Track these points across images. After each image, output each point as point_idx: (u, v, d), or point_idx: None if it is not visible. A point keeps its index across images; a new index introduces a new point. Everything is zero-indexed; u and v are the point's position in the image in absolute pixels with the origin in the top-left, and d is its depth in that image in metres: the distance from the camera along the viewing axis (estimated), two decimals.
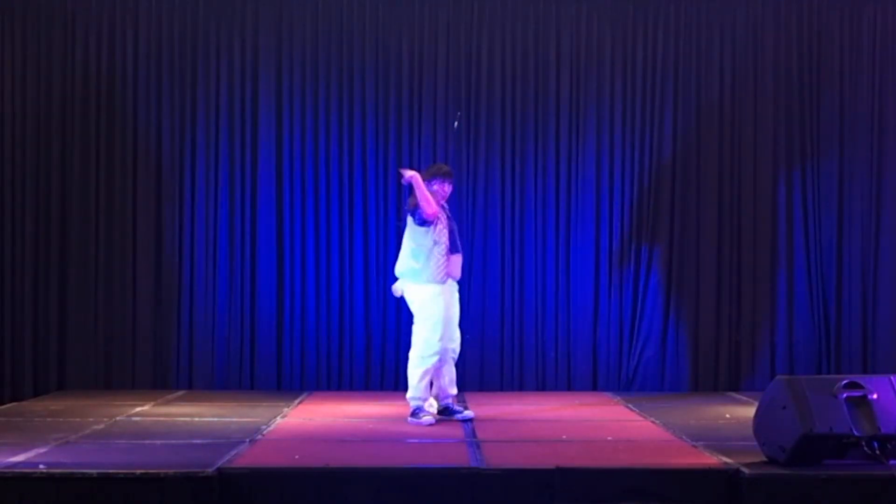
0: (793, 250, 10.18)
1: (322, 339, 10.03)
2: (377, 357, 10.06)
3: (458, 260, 8.10)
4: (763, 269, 10.18)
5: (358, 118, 10.14)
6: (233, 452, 6.55)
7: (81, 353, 9.99)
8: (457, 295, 8.21)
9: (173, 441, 7.11)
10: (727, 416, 8.39)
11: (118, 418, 8.10)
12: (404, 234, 8.13)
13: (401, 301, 10.07)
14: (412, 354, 8.07)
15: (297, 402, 9.10)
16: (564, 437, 7.37)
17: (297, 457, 6.53)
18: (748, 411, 7.08)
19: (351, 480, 5.96)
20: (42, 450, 6.58)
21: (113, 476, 5.83)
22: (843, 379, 6.15)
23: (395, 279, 9.78)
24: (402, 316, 10.05)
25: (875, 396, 6.04)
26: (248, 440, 7.06)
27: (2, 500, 5.71)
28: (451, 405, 8.12)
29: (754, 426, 6.39)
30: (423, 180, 7.96)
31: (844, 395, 6.02)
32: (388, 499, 5.89)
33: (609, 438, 7.32)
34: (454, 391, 8.19)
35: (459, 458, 6.52)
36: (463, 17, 10.20)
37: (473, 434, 7.50)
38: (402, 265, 8.14)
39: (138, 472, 5.85)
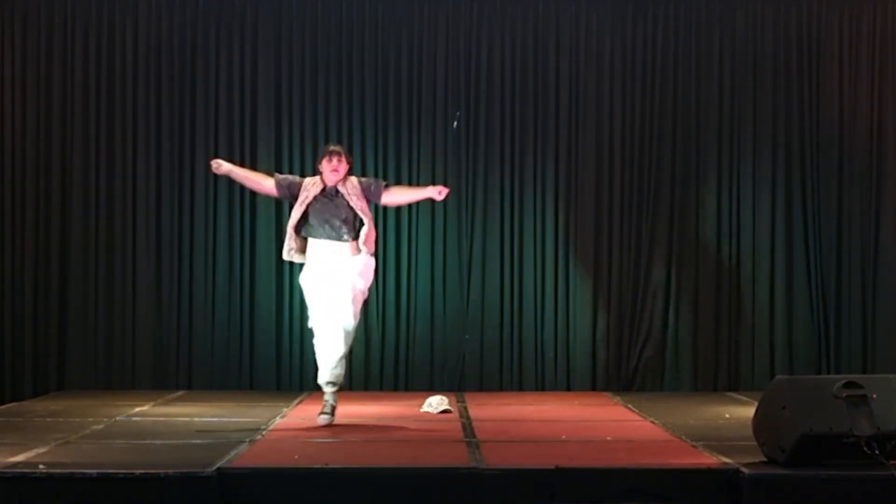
0: (792, 250, 10.18)
1: None
2: (376, 357, 10.06)
3: (326, 246, 7.72)
4: (762, 269, 10.18)
5: (357, 118, 10.14)
6: (232, 452, 6.55)
7: (81, 353, 10.00)
8: (341, 278, 7.69)
9: (173, 441, 7.11)
10: (727, 416, 8.39)
11: (118, 418, 8.10)
12: None
13: (400, 301, 10.13)
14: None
15: (296, 402, 9.09)
16: (564, 437, 7.36)
17: (296, 457, 6.52)
18: (748, 411, 7.07)
19: (351, 480, 5.95)
20: (42, 450, 6.57)
21: (113, 476, 5.82)
22: (843, 379, 6.14)
23: (392, 278, 9.84)
24: (401, 315, 10.08)
25: (875, 396, 6.03)
26: (247, 440, 7.06)
27: (2, 500, 5.70)
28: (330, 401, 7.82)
29: (754, 426, 6.39)
30: (318, 162, 7.95)
31: (844, 395, 6.02)
32: (387, 499, 5.88)
33: (609, 438, 7.31)
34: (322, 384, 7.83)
35: (459, 458, 6.51)
36: (462, 17, 10.20)
37: (473, 434, 7.50)
38: None
39: (138, 472, 5.85)
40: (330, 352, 7.74)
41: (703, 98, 10.23)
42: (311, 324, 7.87)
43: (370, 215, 7.87)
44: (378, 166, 10.08)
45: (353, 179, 7.95)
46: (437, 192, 8.04)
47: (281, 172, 8.69)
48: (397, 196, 8.35)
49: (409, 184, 9.90)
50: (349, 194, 7.82)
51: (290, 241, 7.84)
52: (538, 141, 10.19)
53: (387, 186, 8.12)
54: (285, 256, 7.94)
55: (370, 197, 7.98)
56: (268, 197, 9.93)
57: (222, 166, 8.08)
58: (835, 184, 10.19)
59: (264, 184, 8.13)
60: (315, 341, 7.83)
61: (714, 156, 10.21)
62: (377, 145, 10.11)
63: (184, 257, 10.09)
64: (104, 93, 10.09)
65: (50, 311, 10.01)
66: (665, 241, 10.18)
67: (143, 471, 5.86)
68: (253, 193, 10.03)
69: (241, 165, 10.01)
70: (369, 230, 7.81)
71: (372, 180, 8.17)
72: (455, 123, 10.08)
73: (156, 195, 10.09)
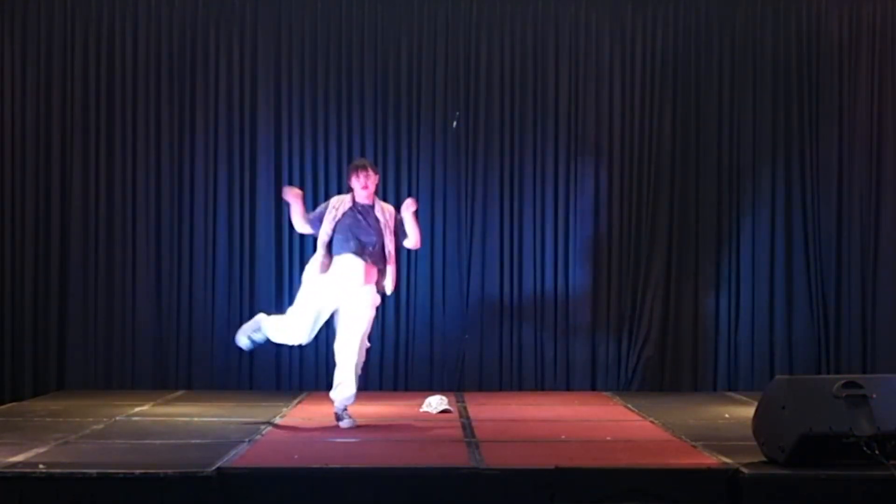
0: (792, 249, 10.18)
1: (321, 340, 10.00)
2: (376, 357, 10.05)
3: (348, 261, 7.62)
4: (762, 269, 10.18)
5: (356, 118, 10.15)
6: (232, 452, 6.55)
7: (81, 353, 10.00)
8: (351, 300, 7.65)
9: (173, 441, 7.11)
10: (727, 416, 8.39)
11: (118, 418, 8.10)
12: None
13: (400, 301, 10.12)
14: None
15: (295, 402, 9.10)
16: (564, 437, 7.37)
17: (296, 457, 6.53)
18: (748, 411, 7.07)
19: (350, 480, 5.95)
20: (42, 450, 6.58)
21: (113, 476, 5.83)
22: (843, 379, 6.15)
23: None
24: (401, 315, 10.08)
25: (875, 396, 6.03)
26: (247, 440, 7.06)
27: (2, 500, 5.71)
28: (336, 411, 7.74)
29: (754, 426, 6.39)
30: (348, 179, 7.84)
31: (844, 395, 6.02)
32: (387, 499, 5.88)
33: (608, 438, 7.32)
34: (335, 396, 7.72)
35: (458, 458, 6.51)
36: (462, 17, 10.20)
37: (472, 434, 7.50)
38: None
39: (138, 472, 5.85)
40: (343, 370, 7.66)
41: (703, 98, 10.23)
42: (291, 310, 7.79)
43: (394, 258, 7.75)
44: (378, 166, 10.05)
45: (394, 214, 7.78)
46: (410, 208, 7.77)
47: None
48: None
49: (409, 184, 9.95)
50: (386, 225, 7.69)
51: (320, 259, 7.65)
52: (538, 141, 10.19)
53: None
54: (311, 269, 7.76)
55: (401, 235, 7.81)
56: (267, 199, 10.08)
57: (293, 192, 7.87)
58: (835, 184, 10.19)
59: (305, 225, 7.86)
60: (289, 311, 7.78)
61: (714, 156, 10.22)
62: (377, 145, 10.11)
63: (184, 257, 10.10)
64: (104, 93, 10.09)
65: (50, 311, 10.01)
66: (665, 240, 10.18)
67: (143, 471, 5.86)
68: (252, 194, 10.09)
69: (241, 166, 10.11)
70: (393, 273, 7.75)
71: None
72: (455, 123, 10.08)
73: (156, 195, 10.09)
